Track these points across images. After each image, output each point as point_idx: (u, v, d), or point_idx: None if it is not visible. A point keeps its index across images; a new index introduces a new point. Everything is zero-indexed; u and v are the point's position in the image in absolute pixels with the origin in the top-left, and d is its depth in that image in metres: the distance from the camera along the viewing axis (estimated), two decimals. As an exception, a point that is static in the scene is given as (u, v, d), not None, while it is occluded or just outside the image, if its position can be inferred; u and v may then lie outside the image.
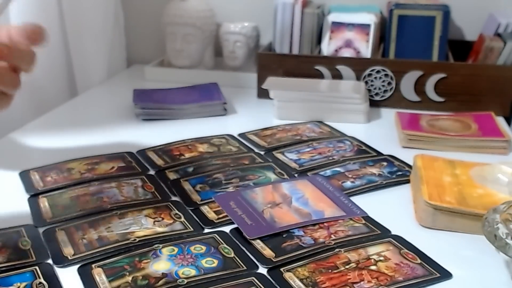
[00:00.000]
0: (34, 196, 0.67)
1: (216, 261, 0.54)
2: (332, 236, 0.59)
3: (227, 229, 0.61)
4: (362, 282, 0.51)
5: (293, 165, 0.77)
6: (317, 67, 1.03)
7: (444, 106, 0.99)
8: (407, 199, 0.68)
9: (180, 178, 0.72)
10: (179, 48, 1.15)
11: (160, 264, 0.54)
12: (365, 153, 0.81)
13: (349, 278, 0.52)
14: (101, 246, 0.56)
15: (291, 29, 1.09)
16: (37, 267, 0.53)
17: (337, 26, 1.06)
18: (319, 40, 1.11)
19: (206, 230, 0.61)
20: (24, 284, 0.51)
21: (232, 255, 0.56)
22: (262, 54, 1.07)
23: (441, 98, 1.00)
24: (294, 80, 1.01)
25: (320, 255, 0.55)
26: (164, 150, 0.81)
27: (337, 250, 0.56)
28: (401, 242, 0.58)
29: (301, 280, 0.52)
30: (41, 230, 0.60)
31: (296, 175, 0.74)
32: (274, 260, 0.55)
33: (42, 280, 0.51)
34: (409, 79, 1.00)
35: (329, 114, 0.95)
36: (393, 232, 0.60)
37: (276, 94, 0.96)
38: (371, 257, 0.55)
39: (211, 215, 0.63)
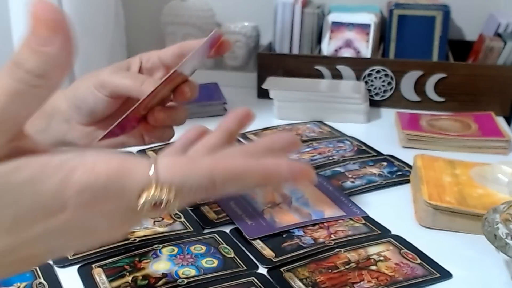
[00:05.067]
0: (34, 196, 0.67)
1: (216, 261, 0.54)
2: (332, 236, 0.59)
3: (227, 229, 0.61)
4: (362, 282, 0.51)
5: (293, 165, 0.76)
6: (317, 67, 1.03)
7: (444, 106, 0.99)
8: (407, 199, 0.68)
9: (180, 178, 0.72)
10: (179, 48, 1.15)
11: (160, 264, 0.54)
12: (365, 153, 0.81)
13: (349, 278, 0.52)
14: (101, 246, 0.56)
15: (291, 29, 1.09)
16: (37, 267, 0.53)
17: (337, 26, 1.06)
18: (319, 40, 1.11)
19: (206, 230, 0.61)
20: (24, 284, 0.51)
21: (232, 255, 0.56)
22: (262, 54, 1.07)
23: (441, 98, 1.00)
24: (294, 80, 1.01)
25: (320, 255, 0.56)
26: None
27: (337, 250, 0.56)
28: (401, 242, 0.58)
29: (301, 280, 0.52)
30: (41, 230, 0.60)
31: (296, 175, 0.74)
32: (274, 260, 0.55)
33: (42, 280, 0.51)
34: (409, 79, 1.00)
35: (329, 114, 0.95)
36: (393, 232, 0.60)
37: (276, 94, 0.96)
38: (371, 257, 0.55)
39: (211, 215, 0.63)
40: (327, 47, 1.07)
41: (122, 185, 0.30)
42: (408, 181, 0.72)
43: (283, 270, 0.53)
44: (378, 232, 0.60)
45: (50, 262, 0.54)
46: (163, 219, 0.62)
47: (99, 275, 0.52)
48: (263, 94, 1.01)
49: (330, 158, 0.79)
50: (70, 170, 0.29)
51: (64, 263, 0.54)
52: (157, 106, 0.53)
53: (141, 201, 0.30)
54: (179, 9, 1.14)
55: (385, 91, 1.01)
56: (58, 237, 0.30)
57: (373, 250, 0.57)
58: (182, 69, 0.50)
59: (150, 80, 0.53)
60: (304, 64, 1.03)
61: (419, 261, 0.55)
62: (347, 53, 1.06)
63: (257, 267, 0.54)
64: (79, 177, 0.29)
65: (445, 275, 0.53)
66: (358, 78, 1.01)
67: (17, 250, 0.29)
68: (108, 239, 0.32)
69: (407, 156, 0.78)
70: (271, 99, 0.97)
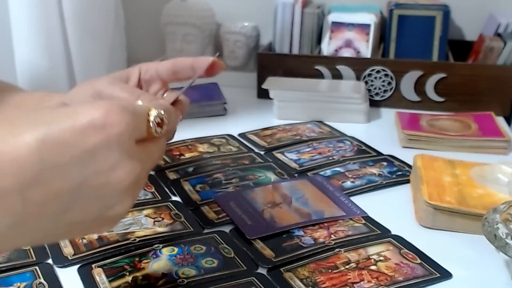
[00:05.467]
0: (34, 196, 0.67)
1: (216, 261, 0.55)
2: (332, 236, 0.59)
3: (227, 229, 0.61)
4: (362, 282, 0.51)
5: (293, 165, 0.77)
6: (317, 67, 1.03)
7: (444, 106, 0.99)
8: (407, 199, 0.68)
9: (180, 178, 0.72)
10: (179, 48, 1.15)
11: (160, 264, 0.54)
12: (365, 153, 0.81)
13: (349, 278, 0.52)
14: (101, 246, 0.56)
15: (291, 29, 1.09)
16: (37, 267, 0.53)
17: (337, 26, 1.06)
18: (319, 40, 1.11)
19: (206, 230, 0.61)
20: (24, 284, 0.51)
21: (232, 255, 0.56)
22: (262, 54, 1.07)
23: (441, 98, 1.00)
24: (294, 80, 1.01)
25: (320, 255, 0.55)
26: (164, 150, 0.81)
27: (337, 250, 0.56)
28: (401, 242, 0.58)
29: (301, 280, 0.52)
30: (41, 230, 0.60)
31: (296, 175, 0.74)
32: (274, 260, 0.55)
33: (42, 280, 0.51)
34: (409, 79, 1.00)
35: (329, 114, 0.95)
36: (393, 232, 0.60)
37: (276, 94, 0.96)
38: (371, 257, 0.55)
39: (211, 215, 0.63)
40: (327, 47, 1.07)
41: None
42: (408, 181, 0.72)
43: (283, 270, 0.53)
44: (378, 232, 0.60)
45: (50, 261, 0.54)
46: (163, 219, 0.62)
47: (99, 275, 0.52)
48: (263, 94, 1.01)
49: (330, 158, 0.79)
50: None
51: (64, 263, 0.54)
52: None
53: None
54: (179, 9, 1.14)
55: (385, 91, 1.01)
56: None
57: (373, 250, 0.57)
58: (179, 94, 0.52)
59: (146, 96, 0.54)
60: (304, 64, 1.03)
61: (419, 261, 0.55)
62: (347, 53, 1.06)
63: (257, 267, 0.54)
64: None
65: (445, 275, 0.53)
66: (358, 78, 1.01)
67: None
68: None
69: (407, 156, 0.78)
70: (271, 99, 0.97)
